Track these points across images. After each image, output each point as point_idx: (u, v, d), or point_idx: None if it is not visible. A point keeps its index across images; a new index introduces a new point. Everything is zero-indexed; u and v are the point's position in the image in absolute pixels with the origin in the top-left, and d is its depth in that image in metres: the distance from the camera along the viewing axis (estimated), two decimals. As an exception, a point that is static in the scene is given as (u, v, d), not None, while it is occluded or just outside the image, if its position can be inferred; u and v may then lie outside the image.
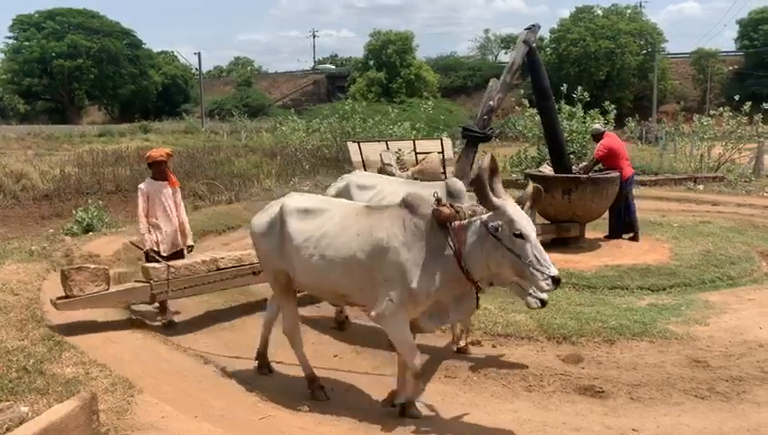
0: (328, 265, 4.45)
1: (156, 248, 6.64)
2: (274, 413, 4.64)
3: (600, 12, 57.58)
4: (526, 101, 21.94)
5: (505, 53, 71.53)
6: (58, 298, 6.07)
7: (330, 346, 6.07)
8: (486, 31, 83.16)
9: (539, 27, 10.11)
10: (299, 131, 25.17)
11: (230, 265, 6.77)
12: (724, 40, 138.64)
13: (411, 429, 4.38)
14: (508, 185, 15.94)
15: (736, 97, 20.18)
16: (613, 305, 6.74)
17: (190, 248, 7.04)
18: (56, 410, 3.75)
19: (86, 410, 3.83)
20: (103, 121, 61.10)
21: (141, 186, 6.80)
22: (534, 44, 9.69)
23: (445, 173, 16.91)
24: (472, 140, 8.97)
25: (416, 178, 16.21)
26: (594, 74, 51.39)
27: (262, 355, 5.46)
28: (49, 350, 5.46)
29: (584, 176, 9.60)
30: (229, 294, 7.51)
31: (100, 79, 63.21)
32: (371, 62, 58.80)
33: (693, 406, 4.70)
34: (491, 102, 9.32)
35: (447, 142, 18.62)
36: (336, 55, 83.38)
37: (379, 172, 16.14)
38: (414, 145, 18.03)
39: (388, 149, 17.23)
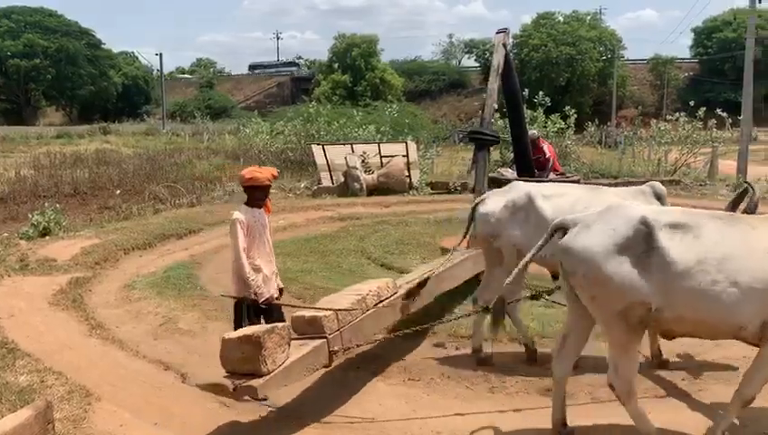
0: (741, 292, 3.64)
1: (266, 298, 4.98)
2: (237, 419, 4.58)
3: (561, 18, 58.59)
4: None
5: (468, 58, 72.33)
6: (240, 383, 4.06)
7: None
8: (450, 35, 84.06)
9: (510, 31, 10.21)
10: (262, 134, 24.95)
11: (376, 297, 5.24)
12: (680, 47, 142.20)
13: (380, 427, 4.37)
14: (472, 189, 16.17)
15: (691, 103, 20.70)
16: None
17: (280, 292, 5.38)
18: (9, 419, 3.64)
19: (41, 420, 3.73)
20: (61, 123, 59.58)
21: (239, 216, 4.96)
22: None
23: (410, 176, 17.05)
24: (481, 144, 8.92)
25: (381, 181, 16.38)
26: (555, 80, 52.22)
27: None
28: (2, 357, 5.30)
29: (546, 180, 9.73)
30: (188, 298, 7.40)
31: (58, 79, 61.70)
32: (336, 65, 58.72)
33: (652, 404, 4.78)
34: (495, 105, 9.32)
35: (412, 146, 18.76)
36: (300, 57, 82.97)
37: (343, 175, 16.22)
38: (379, 148, 18.12)
39: (353, 152, 17.31)
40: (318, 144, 18.22)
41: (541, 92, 19.23)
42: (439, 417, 4.61)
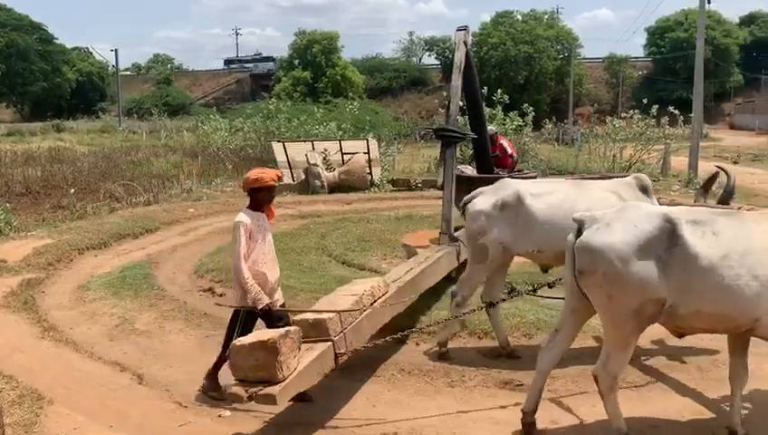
0: (761, 285, 3.73)
1: (265, 305, 4.66)
2: (195, 420, 4.53)
3: (519, 17, 59.26)
4: (448, 103, 22.30)
5: (429, 56, 72.59)
6: (255, 391, 3.90)
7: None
8: (411, 33, 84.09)
9: (470, 29, 10.26)
10: (221, 131, 24.65)
11: (371, 297, 5.08)
12: (635, 46, 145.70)
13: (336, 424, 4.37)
14: (433, 185, 16.28)
15: (645, 101, 21.20)
16: (532, 301, 6.92)
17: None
18: (-45, 425, 3.52)
19: (-11, 425, 3.62)
20: (12, 120, 57.66)
21: (243, 218, 4.73)
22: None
23: (371, 173, 17.06)
24: (449, 141, 8.93)
25: (342, 178, 16.33)
26: (514, 78, 52.76)
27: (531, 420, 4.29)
28: (-52, 362, 5.13)
29: (504, 175, 9.83)
30: (145, 298, 7.28)
31: (8, 75, 59.60)
32: (297, 62, 58.30)
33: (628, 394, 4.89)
34: (460, 102, 9.34)
35: (373, 143, 18.78)
36: (260, 54, 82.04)
37: (304, 172, 16.14)
38: (340, 145, 18.09)
39: (313, 149, 17.24)
40: (278, 141, 18.10)
41: (499, 90, 19.47)
42: (399, 412, 4.63)
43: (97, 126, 45.54)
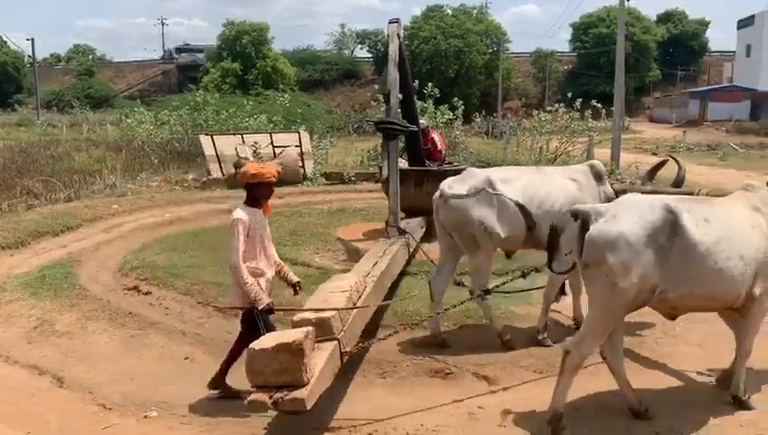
0: (745, 264, 4.09)
1: (266, 305, 4.47)
2: (119, 422, 4.39)
3: (449, 11, 59.98)
4: (381, 96, 22.37)
5: (361, 48, 72.54)
6: (281, 396, 3.70)
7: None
8: (342, 25, 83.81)
9: (401, 22, 10.30)
10: (146, 124, 23.82)
11: (357, 293, 4.94)
12: (560, 41, 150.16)
13: (268, 421, 4.32)
14: (366, 178, 16.32)
15: (569, 94, 21.87)
16: (463, 291, 7.04)
17: (299, 285, 5.00)
18: None
19: None
20: None
21: (240, 215, 4.54)
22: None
23: (303, 167, 16.91)
24: (391, 134, 8.90)
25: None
26: (444, 71, 53.38)
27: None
28: None
29: (435, 168, 9.96)
30: (66, 299, 6.98)
31: None
32: (225, 53, 57.09)
33: (533, 380, 5.05)
34: (399, 95, 9.32)
35: (305, 136, 18.61)
36: (188, 44, 79.88)
37: (234, 167, 15.83)
38: (271, 138, 17.84)
39: (243, 142, 16.93)
40: (206, 134, 17.67)
41: (430, 84, 19.68)
42: (330, 405, 4.61)
43: (13, 119, 43.24)
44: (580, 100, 20.12)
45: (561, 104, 20.73)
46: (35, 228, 10.25)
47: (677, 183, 5.91)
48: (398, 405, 4.63)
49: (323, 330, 4.14)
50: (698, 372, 5.10)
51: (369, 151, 20.57)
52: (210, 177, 16.10)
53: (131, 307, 6.78)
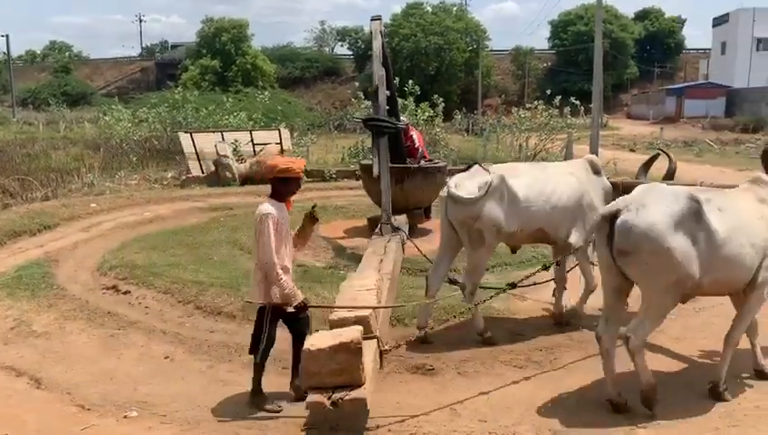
0: (755, 252, 4.38)
1: (300, 301, 4.44)
2: (98, 422, 4.35)
3: (429, 8, 60.06)
4: (361, 94, 22.38)
5: (341, 46, 72.39)
6: (341, 396, 3.69)
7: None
8: (322, 23, 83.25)
9: (382, 19, 10.33)
10: (124, 121, 23.55)
11: (380, 290, 4.95)
12: (539, 39, 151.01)
13: (247, 424, 4.31)
14: (347, 175, 16.30)
15: (548, 91, 22.04)
16: (443, 287, 7.07)
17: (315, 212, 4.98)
18: None
19: None
20: None
21: (270, 209, 4.40)
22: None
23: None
24: (380, 131, 8.92)
25: (254, 170, 16.04)
26: (425, 69, 53.49)
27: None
28: None
29: (415, 166, 9.98)
30: (44, 299, 6.89)
31: None
32: (204, 50, 56.66)
33: (513, 376, 5.10)
34: (388, 92, 9.35)
35: (286, 133, 18.55)
36: (166, 42, 79.14)
37: (214, 164, 15.73)
38: (251, 136, 17.76)
39: (223, 140, 16.83)
40: (186, 132, 17.54)
41: (411, 81, 19.70)
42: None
43: (-13, 117, 42.53)
44: (559, 97, 20.28)
45: (541, 101, 20.89)
46: (12, 228, 10.09)
47: (669, 175, 6.05)
48: (380, 401, 4.64)
49: (362, 329, 4.09)
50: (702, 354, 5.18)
51: (349, 149, 20.54)
52: (190, 175, 15.99)
53: (110, 307, 6.72)
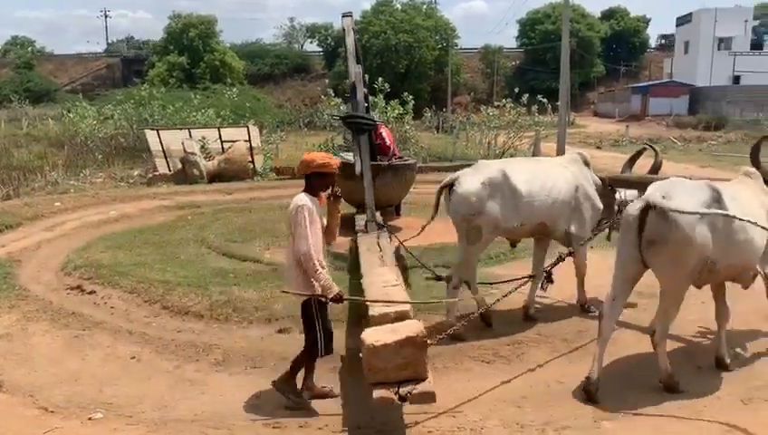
0: (762, 238, 4.69)
1: (336, 294, 4.35)
2: (62, 425, 4.27)
3: (399, 6, 60.08)
4: (331, 91, 22.32)
5: (311, 42, 72.03)
6: (409, 390, 3.71)
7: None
8: (292, 19, 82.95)
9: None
10: (89, 118, 23.10)
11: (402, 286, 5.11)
12: (508, 37, 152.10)
13: (214, 424, 4.28)
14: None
15: (516, 90, 22.26)
16: (413, 283, 7.11)
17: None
18: None
19: None
20: None
21: (306, 202, 4.39)
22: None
23: (253, 162, 16.71)
24: (360, 128, 8.90)
25: (223, 167, 15.89)
26: (395, 66, 53.50)
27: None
28: None
29: (385, 163, 10.00)
30: (5, 299, 6.75)
31: None
32: (172, 46, 55.85)
33: (481, 370, 5.15)
34: (365, 90, 9.35)
35: (254, 130, 18.39)
36: (132, 37, 77.80)
37: (181, 161, 15.53)
38: (219, 133, 17.58)
39: (190, 137, 16.63)
40: (152, 129, 17.28)
41: (381, 78, 19.70)
42: (281, 401, 4.60)
43: (-54, 114, 41.29)
44: (527, 95, 20.48)
45: (509, 99, 21.08)
46: (-29, 228, 9.86)
47: (654, 170, 6.30)
48: (347, 399, 4.65)
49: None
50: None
51: (320, 146, 20.45)
52: (157, 173, 15.77)
53: (75, 307, 6.61)
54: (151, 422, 4.28)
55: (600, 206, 6.28)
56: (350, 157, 10.90)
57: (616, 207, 6.37)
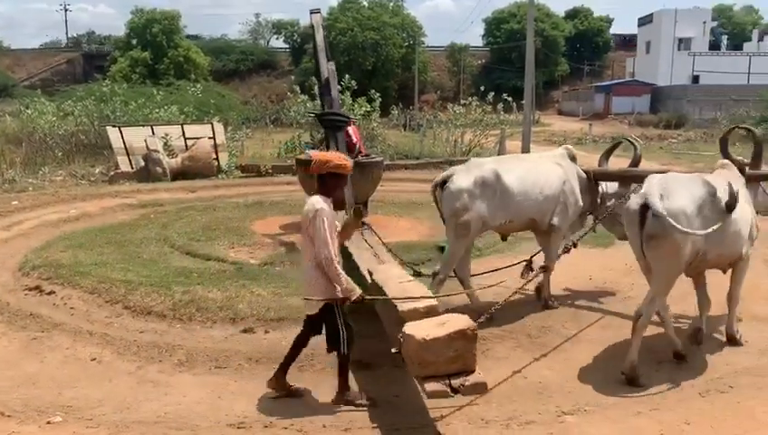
0: (746, 228, 5.04)
1: (358, 296, 4.40)
2: (19, 429, 4.16)
3: (365, 3, 60.03)
4: (297, 88, 22.18)
5: (277, 39, 71.51)
6: (462, 382, 3.73)
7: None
8: (257, 15, 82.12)
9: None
10: (48, 115, 22.51)
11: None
12: (474, 36, 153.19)
13: (177, 425, 4.22)
14: (283, 170, 16.13)
15: (482, 88, 22.43)
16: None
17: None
18: None
19: None
20: None
21: (323, 205, 4.35)
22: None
23: (218, 159, 16.52)
24: (335, 125, 8.86)
25: (186, 165, 15.67)
26: (362, 64, 53.47)
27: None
28: None
29: (351, 160, 9.96)
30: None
31: None
32: (135, 42, 54.87)
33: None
34: (338, 86, 9.34)
35: (219, 127, 18.18)
36: (93, 32, 76.15)
37: (143, 159, 15.27)
38: (183, 130, 17.32)
39: (153, 134, 16.35)
40: (114, 126, 16.94)
41: (347, 75, 19.64)
42: (246, 402, 4.57)
43: None
44: (493, 93, 20.65)
45: (475, 98, 21.23)
46: None
47: (635, 163, 6.61)
48: (316, 398, 4.64)
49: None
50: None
51: (286, 143, 20.33)
52: (118, 170, 15.48)
53: (33, 308, 6.44)
54: (112, 425, 4.20)
55: (581, 202, 6.51)
56: (313, 154, 10.85)
57: (599, 200, 6.73)
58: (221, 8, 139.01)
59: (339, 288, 4.35)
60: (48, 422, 4.25)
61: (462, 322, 3.80)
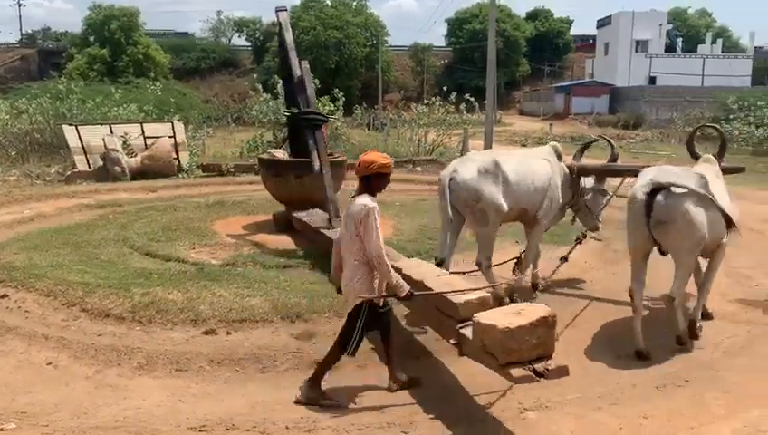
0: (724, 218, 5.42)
1: (407, 292, 4.46)
2: (-28, 436, 4.03)
3: (329, 2, 59.84)
4: (260, 86, 21.99)
5: (239, 37, 70.76)
6: (545, 365, 3.86)
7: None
8: (219, 13, 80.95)
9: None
10: (1, 113, 21.86)
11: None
12: (437, 36, 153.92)
13: (137, 430, 4.14)
14: (246, 169, 15.98)
15: (445, 88, 22.57)
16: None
17: None
18: None
19: None
20: None
21: (373, 202, 4.41)
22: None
23: (178, 158, 16.26)
24: (313, 124, 8.81)
25: (146, 164, 15.38)
26: (325, 63, 53.32)
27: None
28: None
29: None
30: None
31: None
32: (92, 38, 53.65)
33: (411, 364, 5.16)
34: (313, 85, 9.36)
35: (179, 126, 17.89)
36: (49, 28, 74.21)
37: (102, 158, 14.94)
38: (142, 129, 17.00)
39: (112, 133, 16.01)
40: (71, 124, 16.53)
41: (311, 74, 19.52)
42: (207, 404, 4.51)
43: None
44: (456, 93, 20.78)
45: (438, 97, 21.36)
46: None
47: (613, 159, 7.30)
48: (275, 399, 4.60)
49: (485, 308, 4.30)
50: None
51: (248, 142, 20.13)
52: (75, 170, 15.11)
53: (-14, 312, 6.24)
54: (69, 431, 4.09)
55: (561, 199, 6.89)
56: (278, 154, 10.77)
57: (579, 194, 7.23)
58: (181, 5, 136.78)
59: (383, 286, 4.47)
60: (1, 429, 4.12)
61: (541, 310, 3.98)
